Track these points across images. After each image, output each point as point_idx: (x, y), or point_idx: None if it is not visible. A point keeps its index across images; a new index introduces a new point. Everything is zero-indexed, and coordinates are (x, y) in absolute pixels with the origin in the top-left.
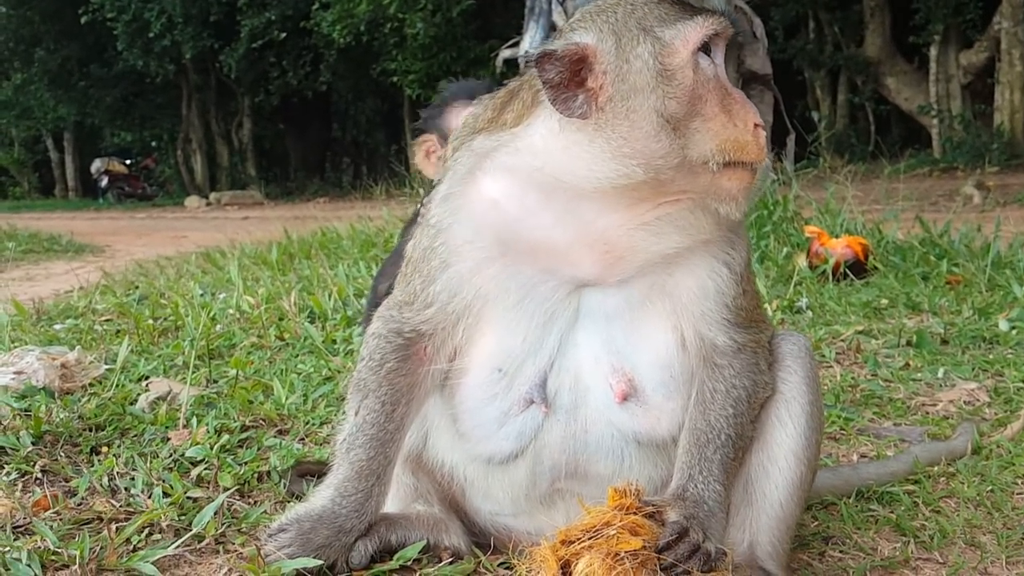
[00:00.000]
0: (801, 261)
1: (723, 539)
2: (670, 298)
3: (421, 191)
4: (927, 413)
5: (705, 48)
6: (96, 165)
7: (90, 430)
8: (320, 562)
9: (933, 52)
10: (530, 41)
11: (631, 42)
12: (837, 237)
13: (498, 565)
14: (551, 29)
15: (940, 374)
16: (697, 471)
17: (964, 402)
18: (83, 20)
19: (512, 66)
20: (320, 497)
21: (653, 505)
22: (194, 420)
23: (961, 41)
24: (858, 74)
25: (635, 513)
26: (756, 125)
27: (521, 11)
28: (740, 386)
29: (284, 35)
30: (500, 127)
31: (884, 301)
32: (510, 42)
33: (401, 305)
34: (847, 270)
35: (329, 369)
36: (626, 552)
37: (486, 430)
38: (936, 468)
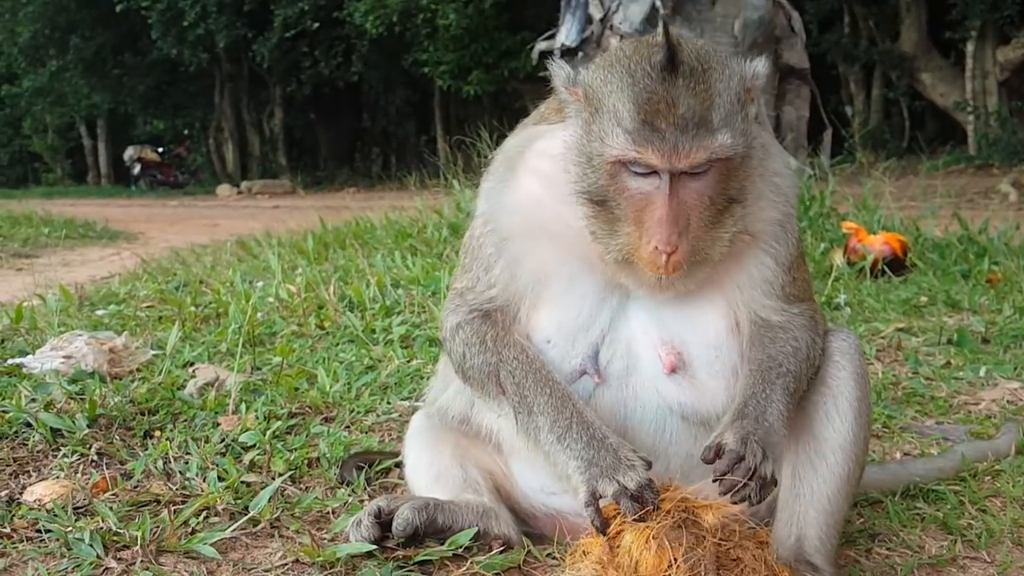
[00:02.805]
0: (838, 257)
1: (780, 458)
2: (720, 288)
3: (455, 183)
4: (969, 412)
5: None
6: (129, 153)
7: (142, 414)
8: (372, 546)
9: (969, 48)
10: (566, 33)
11: (594, 109)
12: (875, 233)
13: (546, 555)
14: (587, 21)
15: (982, 373)
16: (760, 390)
17: (1007, 401)
18: (118, 8)
19: (548, 58)
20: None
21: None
22: (243, 406)
23: (998, 37)
24: (893, 69)
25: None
26: (657, 248)
27: (554, 2)
28: (800, 338)
29: (317, 25)
30: (544, 120)
31: (923, 299)
32: (546, 34)
33: (463, 292)
34: (885, 267)
35: (371, 358)
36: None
37: None
38: (981, 467)
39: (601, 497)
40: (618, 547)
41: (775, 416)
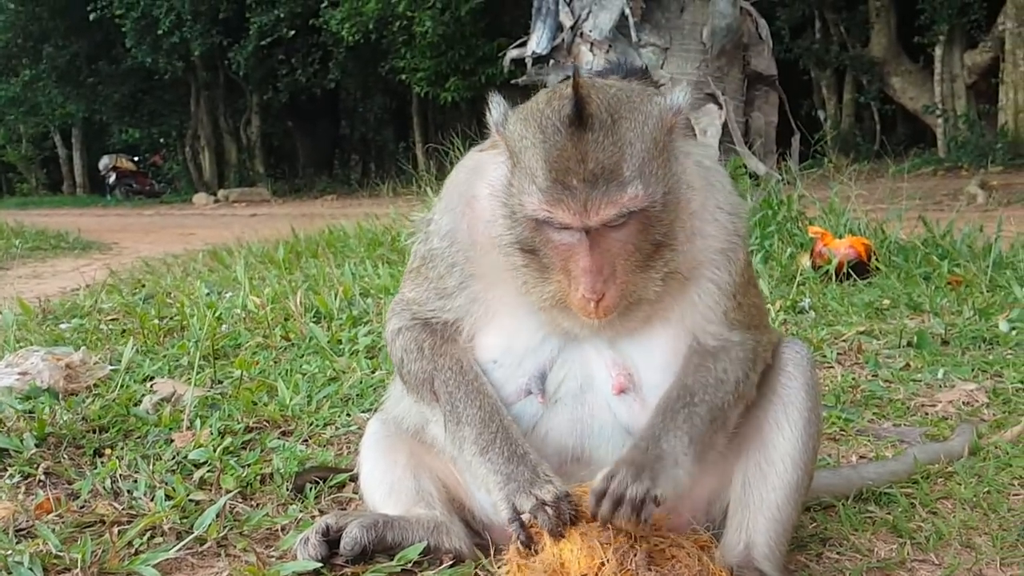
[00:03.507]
0: (805, 261)
1: (678, 485)
2: (669, 311)
3: (428, 190)
4: (926, 414)
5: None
6: (104, 162)
7: (94, 432)
8: (319, 564)
9: (938, 52)
10: (537, 41)
11: (513, 162)
12: (841, 237)
13: (500, 567)
14: (557, 29)
15: (940, 375)
16: (659, 421)
17: (963, 403)
18: (91, 17)
19: (519, 65)
20: (494, 485)
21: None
22: (198, 422)
23: (966, 41)
24: (863, 74)
25: None
26: (585, 297)
27: (530, 8)
28: (729, 371)
29: (293, 33)
30: (495, 145)
31: (886, 301)
32: (517, 42)
33: (410, 303)
34: (850, 270)
35: (334, 370)
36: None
37: None
38: (934, 469)
39: (521, 513)
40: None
41: (672, 444)
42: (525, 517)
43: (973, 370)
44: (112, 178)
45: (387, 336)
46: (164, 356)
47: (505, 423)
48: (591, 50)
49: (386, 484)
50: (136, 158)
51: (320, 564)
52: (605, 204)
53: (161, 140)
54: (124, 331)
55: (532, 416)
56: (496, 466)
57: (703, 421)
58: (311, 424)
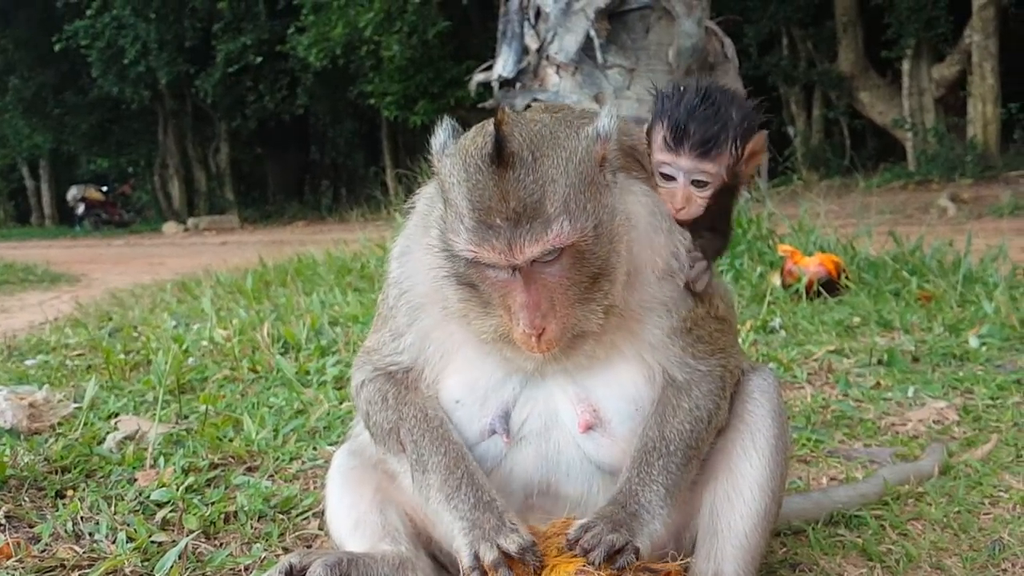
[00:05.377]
0: (775, 280)
1: (654, 537)
2: (632, 341)
3: (397, 216)
4: (897, 433)
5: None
6: (72, 192)
7: (56, 472)
8: None
9: (906, 66)
10: (503, 64)
11: (444, 199)
12: (810, 255)
13: None
14: (523, 52)
15: (910, 393)
16: (636, 477)
17: (933, 421)
18: (57, 47)
19: (488, 88)
20: (459, 531)
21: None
22: (162, 460)
23: (933, 55)
24: (832, 89)
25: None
26: (525, 332)
27: (497, 32)
28: (703, 407)
29: (260, 59)
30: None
31: (856, 319)
32: (483, 65)
33: (371, 352)
34: (820, 288)
35: (301, 402)
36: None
37: None
38: (904, 489)
39: (482, 561)
40: None
41: (649, 498)
42: (487, 564)
43: (943, 387)
44: (81, 208)
45: (352, 390)
46: (129, 392)
47: (471, 469)
48: (557, 72)
49: (352, 518)
50: (105, 188)
51: None
52: (530, 242)
53: (130, 169)
54: (90, 367)
55: (497, 455)
56: (461, 512)
57: (679, 467)
58: (277, 459)
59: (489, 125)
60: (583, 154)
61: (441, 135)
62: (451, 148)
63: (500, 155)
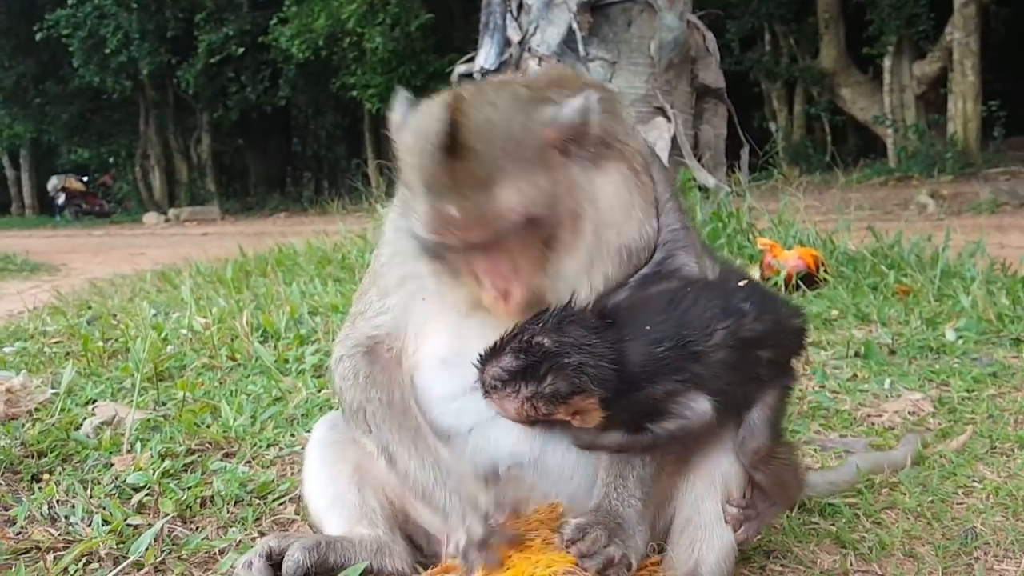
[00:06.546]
0: (754, 273)
1: (638, 553)
2: None
3: (379, 207)
4: (872, 424)
5: None
6: (53, 182)
7: (32, 457)
8: None
9: (887, 63)
10: (485, 56)
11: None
12: (790, 249)
13: None
14: (505, 44)
15: (886, 385)
16: (613, 488)
17: (909, 412)
18: (38, 37)
19: (469, 80)
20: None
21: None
22: (139, 445)
23: (914, 52)
24: (814, 85)
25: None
26: (495, 296)
27: (479, 24)
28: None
29: (242, 50)
30: None
31: (835, 312)
32: (465, 57)
33: (355, 317)
34: (799, 282)
35: (279, 389)
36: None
37: (436, 409)
38: (879, 479)
39: (458, 546)
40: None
41: (628, 513)
42: (463, 549)
43: (919, 379)
44: (61, 198)
45: (332, 363)
46: (107, 379)
47: (440, 454)
48: (539, 65)
49: (329, 495)
50: (85, 178)
51: None
52: (479, 223)
53: (111, 160)
54: (68, 354)
55: (478, 410)
56: (430, 501)
57: (652, 475)
58: (254, 445)
59: (443, 108)
60: (534, 136)
61: (401, 107)
62: (408, 122)
63: (451, 145)
